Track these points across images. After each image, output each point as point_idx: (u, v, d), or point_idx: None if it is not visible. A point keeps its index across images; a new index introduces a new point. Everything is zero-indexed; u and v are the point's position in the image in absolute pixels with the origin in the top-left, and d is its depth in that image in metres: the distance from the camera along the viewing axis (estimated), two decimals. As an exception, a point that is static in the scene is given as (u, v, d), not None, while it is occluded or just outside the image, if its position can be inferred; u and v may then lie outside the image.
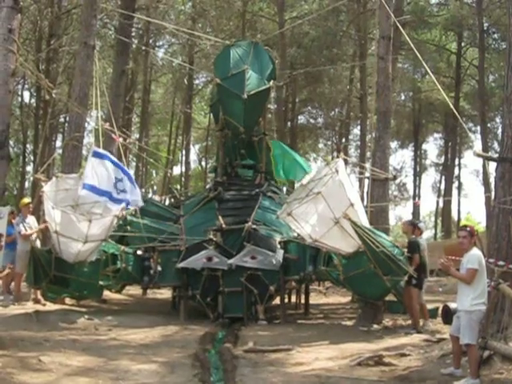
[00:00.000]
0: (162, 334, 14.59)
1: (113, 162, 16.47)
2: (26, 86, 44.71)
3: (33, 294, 17.08)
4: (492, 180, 12.82)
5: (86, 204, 16.24)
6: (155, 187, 63.19)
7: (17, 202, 30.59)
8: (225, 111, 19.56)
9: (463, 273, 9.92)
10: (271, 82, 20.09)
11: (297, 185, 19.23)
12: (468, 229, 10.41)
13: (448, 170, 46.78)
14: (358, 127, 43.38)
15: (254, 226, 17.18)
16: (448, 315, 14.30)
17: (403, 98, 49.80)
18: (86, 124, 22.54)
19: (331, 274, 16.45)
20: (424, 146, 57.37)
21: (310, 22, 36.36)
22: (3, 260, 17.37)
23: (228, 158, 20.52)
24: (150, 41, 40.23)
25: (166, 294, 22.04)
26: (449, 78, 43.73)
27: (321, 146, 56.99)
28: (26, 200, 17.85)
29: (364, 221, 14.93)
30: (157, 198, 28.14)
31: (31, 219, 17.29)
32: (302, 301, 19.93)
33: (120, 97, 25.70)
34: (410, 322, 15.50)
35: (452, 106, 19.84)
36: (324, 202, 14.45)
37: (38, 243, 17.31)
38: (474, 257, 9.84)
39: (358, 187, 16.05)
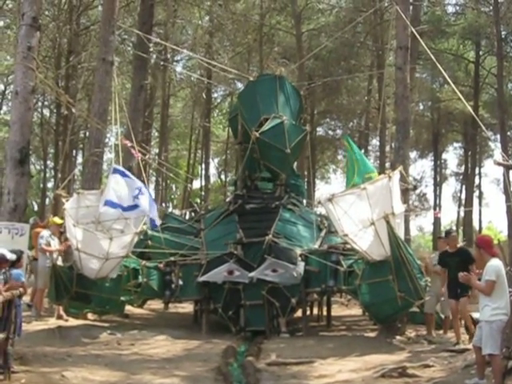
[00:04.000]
0: (184, 347, 14.60)
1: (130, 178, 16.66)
2: (46, 103, 45.07)
3: (56, 310, 17.15)
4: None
5: (107, 220, 16.37)
6: (175, 201, 63.32)
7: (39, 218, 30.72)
8: (264, 158, 19.46)
9: (483, 284, 9.87)
10: (308, 127, 20.19)
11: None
12: (476, 241, 10.44)
13: (468, 179, 46.48)
14: (377, 138, 43.23)
15: (275, 239, 17.14)
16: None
17: (422, 107, 49.57)
18: (106, 140, 22.67)
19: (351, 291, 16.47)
20: (444, 156, 56.99)
21: (327, 33, 36.40)
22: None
23: (247, 171, 20.51)
24: (168, 55, 40.38)
25: (187, 308, 22.03)
26: (467, 87, 43.46)
27: (340, 157, 56.80)
28: (59, 221, 17.87)
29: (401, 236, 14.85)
30: (177, 212, 28.19)
31: (56, 240, 17.38)
32: (324, 313, 19.86)
33: (139, 112, 25.79)
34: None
35: (474, 114, 19.81)
36: (366, 199, 14.36)
37: (60, 260, 17.40)
38: (491, 268, 9.79)
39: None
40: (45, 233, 17.18)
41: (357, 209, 14.41)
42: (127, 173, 16.96)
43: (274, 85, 19.79)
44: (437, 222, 48.70)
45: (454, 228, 55.01)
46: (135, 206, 16.27)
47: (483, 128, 21.10)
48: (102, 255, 15.48)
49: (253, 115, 19.59)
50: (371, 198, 14.35)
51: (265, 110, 19.35)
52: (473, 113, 19.83)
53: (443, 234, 17.64)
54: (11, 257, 10.93)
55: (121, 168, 17.06)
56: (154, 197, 17.54)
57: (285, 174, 19.77)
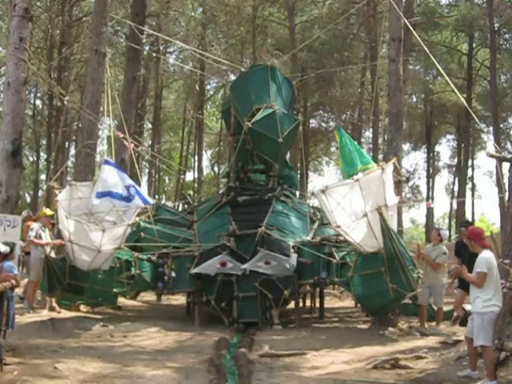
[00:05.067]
0: (177, 339, 14.60)
1: (121, 171, 16.73)
2: (39, 95, 44.99)
3: (48, 302, 17.13)
4: (506, 181, 12.73)
5: (99, 212, 16.35)
6: (168, 193, 63.26)
7: (31, 210, 30.68)
8: (256, 148, 19.41)
9: (474, 276, 9.89)
10: (300, 116, 20.09)
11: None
12: (467, 233, 10.51)
13: (461, 171, 46.57)
14: (370, 130, 43.30)
15: (268, 231, 17.15)
16: (463, 317, 14.24)
17: (415, 99, 49.68)
18: (99, 131, 22.66)
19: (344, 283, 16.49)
20: (437, 148, 57.16)
21: (320, 25, 36.39)
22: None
23: (240, 163, 20.50)
24: (161, 47, 40.31)
25: (180, 299, 22.05)
26: (460, 79, 43.54)
27: (333, 149, 56.85)
28: (49, 212, 17.86)
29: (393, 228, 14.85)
30: (170, 204, 28.17)
31: (47, 231, 17.35)
32: (317, 305, 19.88)
33: (132, 104, 25.73)
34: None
35: (467, 106, 19.80)
36: (359, 191, 14.35)
37: (53, 253, 17.38)
38: (482, 259, 9.81)
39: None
40: (35, 225, 17.13)
41: (350, 200, 14.41)
42: (119, 167, 17.00)
43: (266, 75, 19.79)
44: (430, 214, 48.80)
45: (447, 220, 55.19)
46: (129, 199, 16.31)
47: (476, 120, 21.19)
48: (94, 247, 15.45)
49: (245, 106, 19.57)
50: (364, 190, 14.34)
51: (257, 100, 19.35)
52: (466, 105, 19.81)
53: (436, 226, 17.72)
54: (5, 250, 10.90)
55: (111, 161, 17.08)
56: (147, 190, 17.52)
57: (278, 164, 19.72)
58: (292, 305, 18.06)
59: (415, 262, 14.92)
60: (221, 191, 24.64)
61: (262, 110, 18.95)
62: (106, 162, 16.49)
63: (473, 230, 10.82)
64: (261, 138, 18.85)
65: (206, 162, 60.08)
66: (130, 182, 16.57)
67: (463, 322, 14.16)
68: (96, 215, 16.39)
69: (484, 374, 9.66)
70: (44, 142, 44.45)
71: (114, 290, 17.01)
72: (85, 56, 30.63)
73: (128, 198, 16.33)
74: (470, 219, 49.52)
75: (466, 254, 14.13)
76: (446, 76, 20.79)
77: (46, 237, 17.17)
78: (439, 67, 20.51)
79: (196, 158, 47.92)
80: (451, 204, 53.58)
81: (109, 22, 20.85)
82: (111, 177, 16.18)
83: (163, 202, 52.83)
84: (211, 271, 16.68)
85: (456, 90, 18.76)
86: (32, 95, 43.60)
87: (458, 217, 44.16)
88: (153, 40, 37.01)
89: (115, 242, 15.78)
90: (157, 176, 49.58)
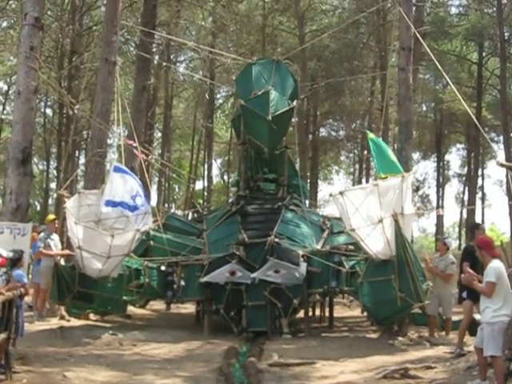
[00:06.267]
0: (186, 348, 14.59)
1: (132, 176, 16.69)
2: (49, 103, 45.08)
3: (58, 310, 17.15)
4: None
5: (108, 219, 16.35)
6: (178, 202, 63.28)
7: (41, 219, 30.73)
8: (248, 131, 19.48)
9: (484, 286, 9.85)
10: (295, 102, 20.08)
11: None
12: (477, 243, 10.46)
13: (471, 180, 46.38)
14: (380, 139, 43.25)
15: (277, 240, 17.13)
16: (473, 327, 14.15)
17: (425, 108, 49.51)
18: (110, 140, 22.70)
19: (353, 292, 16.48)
20: (447, 157, 56.90)
21: (330, 34, 36.42)
22: (34, 277, 17.75)
23: (250, 172, 20.51)
24: (171, 56, 40.37)
25: (189, 308, 22.01)
26: (470, 88, 43.43)
27: (343, 158, 56.89)
28: (52, 216, 18.02)
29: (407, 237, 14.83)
30: (180, 212, 28.20)
31: (55, 237, 17.40)
32: (327, 314, 19.82)
33: (142, 112, 25.78)
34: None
35: (474, 117, 19.68)
36: (377, 197, 14.44)
37: (62, 260, 17.41)
38: (491, 269, 9.77)
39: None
40: (41, 235, 17.19)
41: (367, 205, 14.46)
42: (129, 171, 16.97)
43: (271, 67, 19.93)
44: (439, 223, 48.63)
45: (457, 229, 55.02)
46: (135, 207, 16.29)
47: (482, 131, 21.11)
48: (103, 253, 15.47)
49: (246, 92, 19.68)
50: (382, 196, 14.39)
51: (257, 86, 19.43)
52: (473, 117, 19.64)
53: (440, 237, 17.61)
54: (7, 255, 10.92)
55: (122, 166, 17.05)
56: (156, 198, 17.57)
57: (267, 149, 19.23)
58: (301, 314, 18.02)
59: (425, 274, 14.87)
60: (230, 200, 24.62)
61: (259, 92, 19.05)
62: (116, 169, 16.47)
63: (482, 239, 10.78)
64: (252, 117, 18.90)
65: (215, 171, 60.01)
66: (137, 189, 16.51)
67: (473, 331, 14.09)
68: (105, 222, 16.40)
69: (494, 384, 9.63)
70: (54, 151, 44.48)
71: (124, 298, 17.02)
72: (95, 65, 30.58)
73: (135, 207, 16.30)
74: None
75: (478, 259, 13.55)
76: (453, 87, 20.79)
77: (56, 244, 17.24)
78: (447, 78, 20.52)
79: (206, 166, 47.82)
80: (461, 213, 53.40)
81: (119, 31, 20.90)
82: (120, 186, 16.15)
83: (173, 210, 52.86)
84: (220, 280, 16.68)
85: (463, 102, 18.75)
86: (42, 104, 43.64)
87: (468, 226, 44.02)
88: (162, 49, 37.04)
89: (124, 248, 15.80)
90: (166, 185, 49.52)
